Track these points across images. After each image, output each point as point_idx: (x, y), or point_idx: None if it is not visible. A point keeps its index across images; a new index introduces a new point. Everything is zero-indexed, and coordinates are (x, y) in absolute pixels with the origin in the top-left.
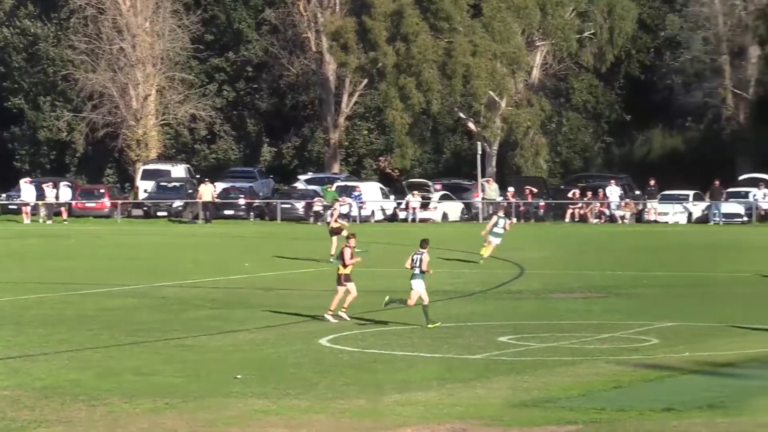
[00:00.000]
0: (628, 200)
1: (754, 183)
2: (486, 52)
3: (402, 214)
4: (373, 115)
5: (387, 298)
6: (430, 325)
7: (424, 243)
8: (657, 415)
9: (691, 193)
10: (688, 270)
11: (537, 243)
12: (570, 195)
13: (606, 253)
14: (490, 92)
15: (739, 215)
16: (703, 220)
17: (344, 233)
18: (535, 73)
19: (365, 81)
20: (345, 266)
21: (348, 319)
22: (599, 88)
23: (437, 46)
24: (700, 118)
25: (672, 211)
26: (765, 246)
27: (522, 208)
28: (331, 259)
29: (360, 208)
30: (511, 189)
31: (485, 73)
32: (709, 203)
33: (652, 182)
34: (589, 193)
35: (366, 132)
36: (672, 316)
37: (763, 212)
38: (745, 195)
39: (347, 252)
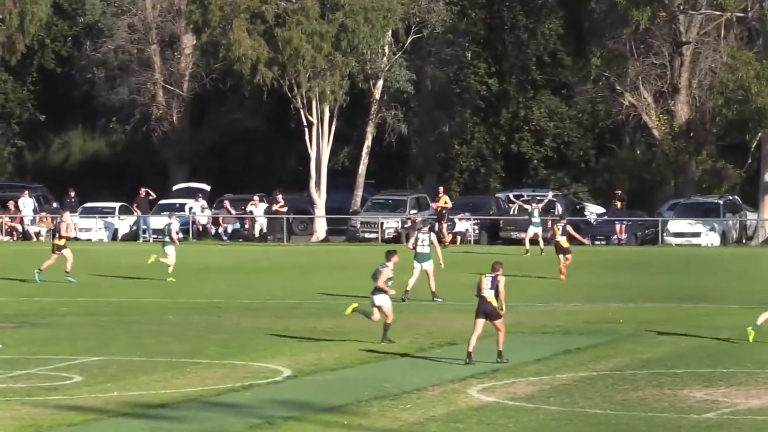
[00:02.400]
0: (44, 214)
1: (192, 194)
2: None
3: None
4: None
5: (356, 305)
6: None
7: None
8: None
9: (117, 205)
10: (111, 296)
11: None
12: None
13: (19, 274)
14: None
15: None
16: (133, 236)
17: None
18: None
19: None
20: None
21: None
22: (9, 83)
23: None
24: (126, 117)
25: (95, 227)
26: (201, 267)
27: None
28: None
29: None
30: None
31: None
32: (137, 217)
33: (72, 193)
34: None
35: None
36: (97, 349)
37: (200, 228)
38: (181, 208)
39: None
